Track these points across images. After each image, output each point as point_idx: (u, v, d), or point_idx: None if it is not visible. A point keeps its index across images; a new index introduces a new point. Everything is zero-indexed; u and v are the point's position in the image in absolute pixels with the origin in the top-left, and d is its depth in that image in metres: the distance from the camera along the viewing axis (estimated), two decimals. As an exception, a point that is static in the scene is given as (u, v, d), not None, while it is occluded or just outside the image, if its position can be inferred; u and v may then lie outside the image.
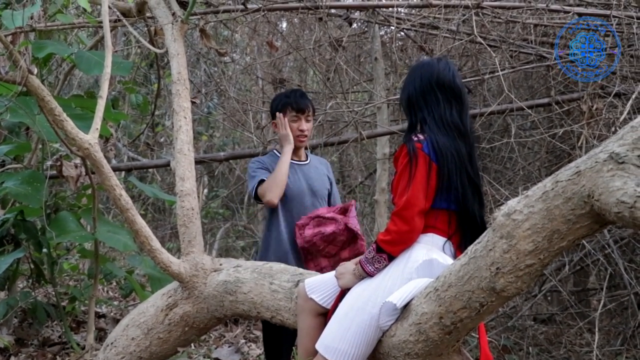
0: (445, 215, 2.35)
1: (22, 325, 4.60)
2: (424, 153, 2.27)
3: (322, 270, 3.00)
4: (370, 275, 2.34)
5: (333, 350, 2.29)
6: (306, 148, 3.47)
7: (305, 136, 3.24)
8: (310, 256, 3.09)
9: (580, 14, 4.31)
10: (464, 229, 2.36)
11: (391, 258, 2.32)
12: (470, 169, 2.35)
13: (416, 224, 2.27)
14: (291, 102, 3.20)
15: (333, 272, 2.53)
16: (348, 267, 2.42)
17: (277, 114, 3.21)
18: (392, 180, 2.39)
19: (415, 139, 2.32)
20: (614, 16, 4.11)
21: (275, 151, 3.32)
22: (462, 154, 2.33)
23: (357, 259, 2.41)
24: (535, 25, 4.66)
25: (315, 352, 2.35)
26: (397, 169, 2.33)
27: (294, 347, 3.03)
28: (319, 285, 2.51)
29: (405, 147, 2.32)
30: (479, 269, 1.99)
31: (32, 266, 4.46)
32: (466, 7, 4.41)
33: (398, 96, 2.60)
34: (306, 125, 3.21)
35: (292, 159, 3.22)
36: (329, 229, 3.02)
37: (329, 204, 3.33)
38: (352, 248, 3.07)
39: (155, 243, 2.99)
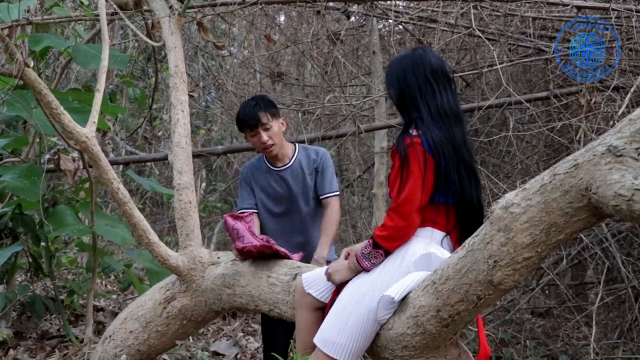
0: (444, 210, 2.34)
1: (20, 318, 4.60)
2: (422, 148, 2.26)
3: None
4: (366, 270, 2.33)
5: (331, 345, 2.29)
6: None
7: (272, 144, 3.14)
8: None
9: (579, 7, 4.30)
10: (462, 223, 2.36)
11: (387, 253, 2.31)
12: (466, 153, 2.34)
13: (413, 220, 2.26)
14: (241, 119, 3.15)
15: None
16: (342, 262, 2.41)
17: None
18: (389, 174, 2.38)
19: (414, 133, 2.31)
20: (612, 9, 4.10)
21: (264, 155, 3.33)
22: (458, 142, 2.31)
23: (353, 252, 2.41)
24: (534, 19, 4.64)
25: (314, 347, 2.35)
26: (395, 163, 2.32)
27: (291, 340, 3.04)
28: (316, 279, 2.51)
29: (403, 141, 2.31)
30: (476, 261, 1.99)
31: (31, 260, 4.45)
32: (464, 0, 4.40)
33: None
34: (266, 135, 3.11)
35: (273, 166, 3.24)
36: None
37: (318, 192, 3.24)
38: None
39: (153, 236, 2.99)
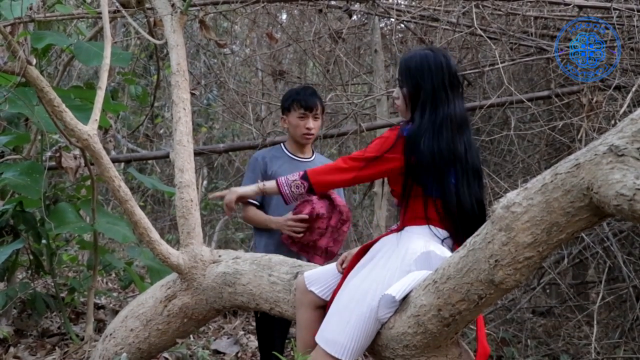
0: (432, 205, 2.35)
1: (21, 316, 4.60)
2: (399, 134, 2.33)
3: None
4: (283, 195, 2.50)
5: (333, 344, 2.29)
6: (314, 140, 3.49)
7: (312, 134, 3.25)
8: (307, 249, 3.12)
9: (580, 7, 4.30)
10: (463, 222, 2.35)
11: (310, 191, 2.45)
12: (470, 155, 2.36)
13: (348, 170, 2.38)
14: (299, 99, 3.22)
15: (333, 264, 2.54)
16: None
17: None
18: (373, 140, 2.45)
19: (407, 127, 2.35)
20: (614, 9, 4.10)
21: (282, 145, 3.36)
22: (459, 151, 2.33)
23: (350, 254, 2.48)
24: (536, 18, 4.65)
25: (315, 345, 2.35)
26: (382, 135, 2.39)
27: (292, 339, 3.04)
28: (318, 277, 2.52)
29: (397, 130, 2.36)
30: (477, 261, 1.99)
31: (31, 257, 4.45)
32: (466, -1, 4.41)
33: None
34: (313, 124, 3.23)
35: (296, 156, 3.29)
36: (307, 210, 3.06)
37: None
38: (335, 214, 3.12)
39: (154, 234, 2.99)
